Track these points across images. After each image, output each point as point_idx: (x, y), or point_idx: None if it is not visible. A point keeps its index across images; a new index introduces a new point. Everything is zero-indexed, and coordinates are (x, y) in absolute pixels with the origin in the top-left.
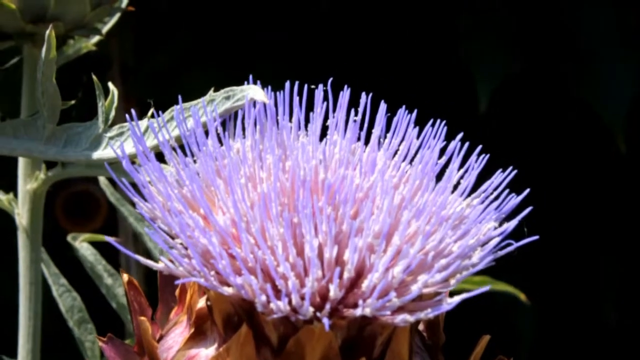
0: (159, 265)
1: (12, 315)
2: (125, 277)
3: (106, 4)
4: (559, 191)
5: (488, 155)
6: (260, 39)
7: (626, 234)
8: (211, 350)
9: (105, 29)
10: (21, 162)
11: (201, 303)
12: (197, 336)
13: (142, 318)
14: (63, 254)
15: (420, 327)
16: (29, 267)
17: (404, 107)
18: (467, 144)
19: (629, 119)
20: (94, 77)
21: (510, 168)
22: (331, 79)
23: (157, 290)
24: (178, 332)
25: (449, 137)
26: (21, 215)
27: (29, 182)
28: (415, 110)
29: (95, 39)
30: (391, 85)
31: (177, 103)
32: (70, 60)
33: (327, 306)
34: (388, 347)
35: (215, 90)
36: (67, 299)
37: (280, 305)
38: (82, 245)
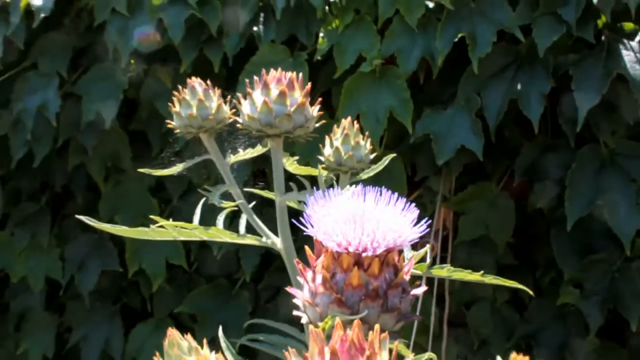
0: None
1: None
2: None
3: (305, 126)
4: None
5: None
6: None
7: None
8: (324, 260)
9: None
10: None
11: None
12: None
13: (310, 253)
14: None
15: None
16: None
17: (396, 194)
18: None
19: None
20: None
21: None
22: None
23: None
24: (322, 258)
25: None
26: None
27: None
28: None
29: None
30: None
31: None
32: None
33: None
34: (370, 266)
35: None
36: None
37: (339, 250)
38: None
